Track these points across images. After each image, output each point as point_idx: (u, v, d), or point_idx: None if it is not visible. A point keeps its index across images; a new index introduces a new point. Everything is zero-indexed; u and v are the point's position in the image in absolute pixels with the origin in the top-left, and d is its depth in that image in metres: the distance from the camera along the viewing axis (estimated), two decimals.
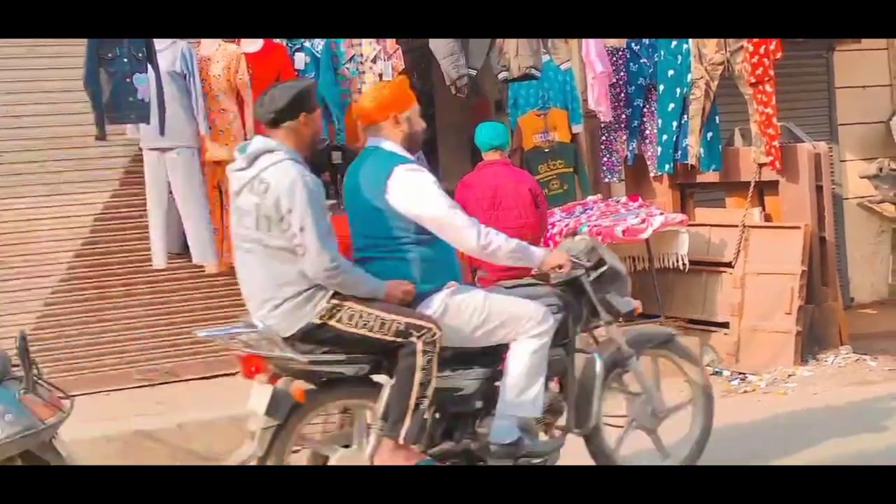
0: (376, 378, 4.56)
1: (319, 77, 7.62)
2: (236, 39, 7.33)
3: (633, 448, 5.41)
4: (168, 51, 7.01)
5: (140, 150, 7.23)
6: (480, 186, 7.04)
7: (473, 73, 8.04)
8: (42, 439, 5.23)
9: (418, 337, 4.41)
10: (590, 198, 8.59)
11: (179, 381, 7.77)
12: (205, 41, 7.28)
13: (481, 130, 7.18)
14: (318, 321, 4.44)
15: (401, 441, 4.40)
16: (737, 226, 8.23)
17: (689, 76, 8.38)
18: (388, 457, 4.43)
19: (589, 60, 8.40)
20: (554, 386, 5.04)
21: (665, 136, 8.65)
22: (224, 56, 7.29)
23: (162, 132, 6.94)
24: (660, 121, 8.69)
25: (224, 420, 6.67)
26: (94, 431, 6.42)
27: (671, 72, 8.54)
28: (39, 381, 5.36)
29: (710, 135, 8.45)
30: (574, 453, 5.34)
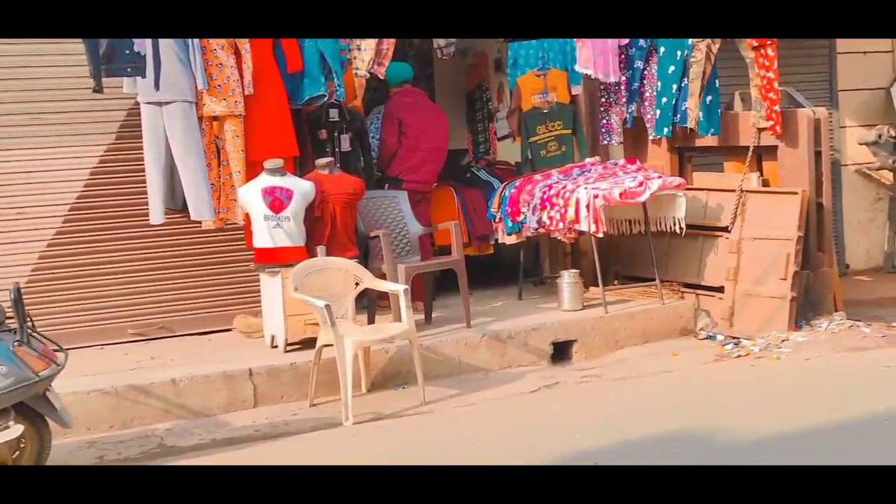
0: None
1: None
2: None
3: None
4: None
5: (137, 103, 7.17)
6: (413, 106, 8.42)
7: None
8: (36, 392, 5.27)
9: None
10: (588, 160, 8.56)
11: (174, 336, 7.79)
12: None
13: (391, 69, 8.12)
14: None
15: None
16: (734, 190, 8.21)
17: (691, 39, 8.32)
18: None
19: None
20: None
21: (664, 99, 8.60)
22: None
23: (157, 86, 6.90)
24: (659, 83, 8.63)
25: (218, 375, 6.70)
26: (88, 385, 6.44)
27: None
28: (33, 334, 5.39)
29: (709, 98, 8.40)
30: (574, 452, 5.40)
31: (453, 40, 7.89)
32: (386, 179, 8.44)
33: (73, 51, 7.01)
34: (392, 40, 7.89)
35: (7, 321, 5.36)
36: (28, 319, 5.30)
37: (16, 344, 5.19)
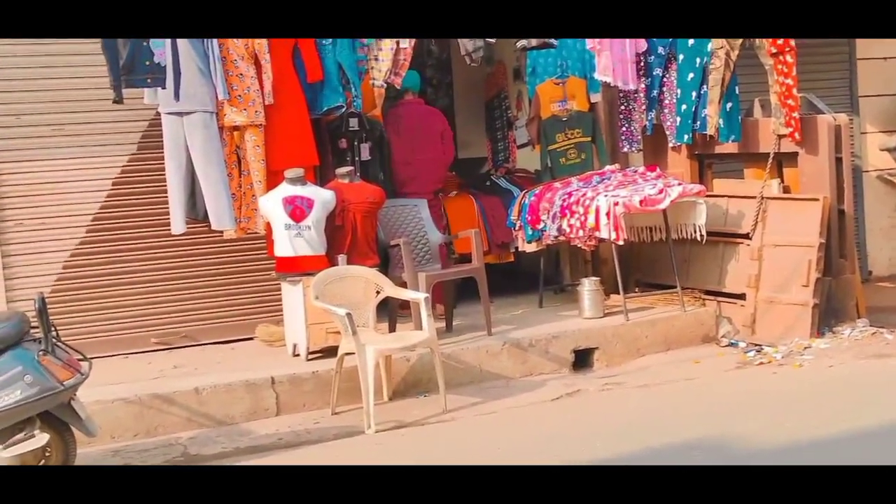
0: None
1: (337, 42, 7.59)
2: None
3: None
4: None
5: (159, 114, 7.22)
6: (406, 117, 8.55)
7: (493, 41, 8.02)
8: (61, 400, 5.30)
9: None
10: (607, 167, 8.56)
11: (196, 345, 7.83)
12: None
13: None
14: None
15: None
16: (755, 197, 8.18)
17: (710, 45, 8.31)
18: None
19: None
20: None
21: (684, 106, 8.59)
22: None
23: (177, 97, 6.94)
24: (679, 91, 8.62)
25: (240, 384, 6.73)
26: (112, 394, 6.47)
27: (691, 41, 8.46)
28: (58, 343, 5.43)
29: (729, 105, 8.38)
30: (595, 460, 5.38)
31: (481, 45, 7.87)
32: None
33: (94, 62, 7.07)
34: (409, 51, 7.91)
35: (32, 331, 5.41)
36: (52, 329, 5.34)
37: (41, 353, 5.23)
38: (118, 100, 6.79)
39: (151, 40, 6.75)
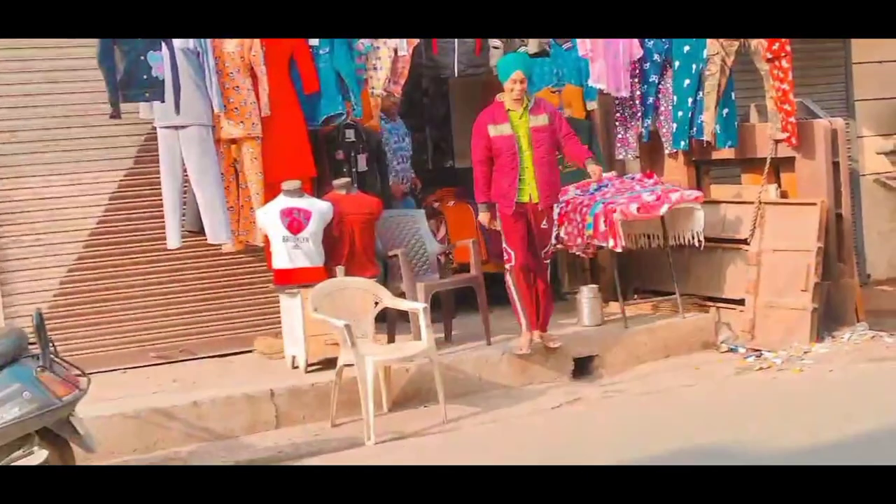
0: None
1: (334, 52, 7.59)
2: None
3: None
4: None
5: (154, 128, 7.22)
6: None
7: (492, 65, 8.06)
8: (59, 416, 5.29)
9: None
10: (604, 175, 8.54)
11: (195, 359, 7.81)
12: None
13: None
14: None
15: None
16: (752, 202, 8.18)
17: (705, 52, 8.31)
18: None
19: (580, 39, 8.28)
20: None
21: (680, 113, 8.59)
22: None
23: (177, 110, 6.93)
24: (675, 97, 8.63)
25: (239, 397, 6.71)
26: (111, 409, 6.45)
27: (687, 47, 8.47)
28: (56, 359, 5.41)
29: (725, 111, 8.38)
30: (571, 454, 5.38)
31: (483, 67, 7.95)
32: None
33: (89, 77, 7.09)
34: (407, 60, 7.93)
35: (30, 347, 5.39)
36: (51, 345, 5.33)
37: (39, 369, 5.21)
38: (116, 115, 6.78)
39: (149, 54, 6.75)
